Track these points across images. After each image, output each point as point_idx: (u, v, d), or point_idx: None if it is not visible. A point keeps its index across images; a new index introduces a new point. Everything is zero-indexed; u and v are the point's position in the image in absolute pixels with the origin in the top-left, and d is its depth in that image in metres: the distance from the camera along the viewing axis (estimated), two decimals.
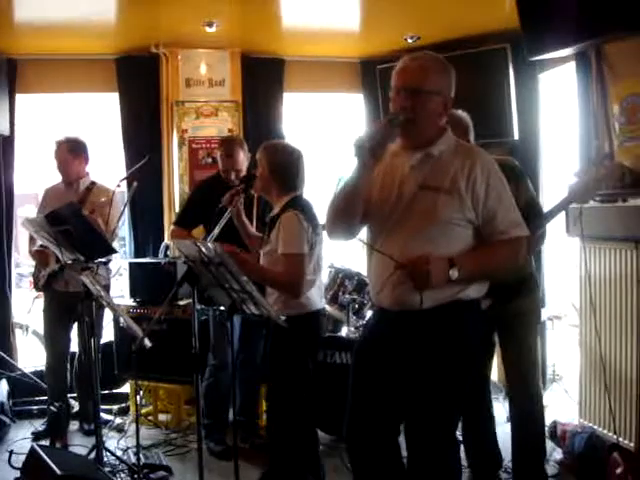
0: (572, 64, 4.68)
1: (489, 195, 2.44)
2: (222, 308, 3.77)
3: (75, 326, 4.65)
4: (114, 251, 3.89)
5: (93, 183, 4.62)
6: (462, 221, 2.45)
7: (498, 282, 3.23)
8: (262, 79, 5.77)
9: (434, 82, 2.47)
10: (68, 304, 4.47)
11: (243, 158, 4.26)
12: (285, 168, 3.34)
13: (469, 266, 2.42)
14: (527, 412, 3.52)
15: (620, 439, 3.80)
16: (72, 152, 4.57)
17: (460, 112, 3.48)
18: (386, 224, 2.54)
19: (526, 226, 2.56)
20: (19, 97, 5.44)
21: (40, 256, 4.50)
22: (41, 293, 4.85)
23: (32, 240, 4.57)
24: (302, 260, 3.20)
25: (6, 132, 5.31)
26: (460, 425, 3.80)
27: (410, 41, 5.41)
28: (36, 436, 4.54)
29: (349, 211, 2.55)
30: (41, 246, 4.44)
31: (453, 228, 2.45)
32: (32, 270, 4.79)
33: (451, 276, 2.35)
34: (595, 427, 4.10)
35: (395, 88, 2.51)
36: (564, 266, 5.58)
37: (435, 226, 2.44)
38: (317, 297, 3.40)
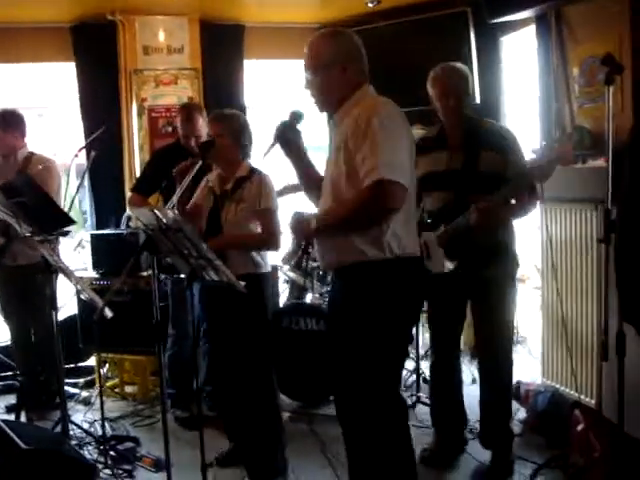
0: (532, 27, 4.68)
1: (356, 140, 2.42)
2: (182, 276, 3.74)
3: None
4: (72, 221, 3.83)
5: (32, 153, 4.52)
6: (345, 178, 2.49)
7: (470, 247, 3.27)
8: (222, 46, 5.68)
9: (319, 58, 2.58)
10: (20, 277, 4.40)
11: (202, 123, 4.23)
12: (246, 134, 3.50)
13: (325, 216, 2.57)
14: (498, 377, 3.54)
15: (581, 397, 3.87)
16: (3, 125, 4.44)
17: (458, 64, 3.47)
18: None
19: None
20: None
21: None
22: None
23: None
24: (278, 216, 3.44)
25: None
26: (428, 388, 3.91)
27: (371, 5, 5.37)
28: (8, 409, 4.54)
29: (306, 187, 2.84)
30: None
31: (338, 187, 2.52)
32: None
33: (311, 224, 2.52)
34: (557, 386, 4.18)
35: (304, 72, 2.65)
36: (526, 228, 5.63)
37: (335, 184, 2.54)
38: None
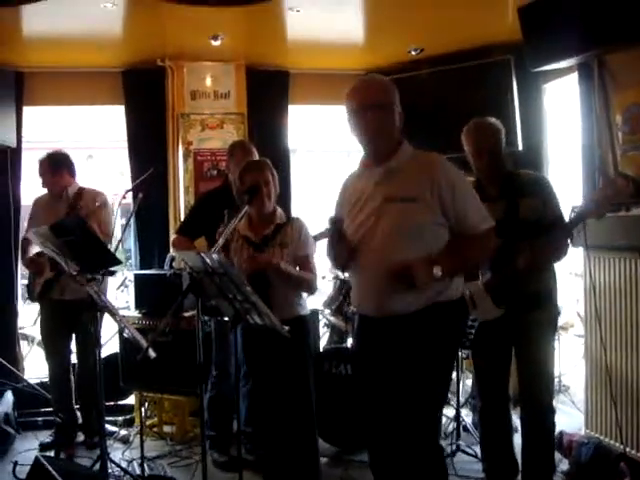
0: (575, 74, 4.70)
1: (456, 197, 2.58)
2: (226, 319, 3.78)
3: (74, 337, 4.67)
4: (119, 262, 3.90)
5: (82, 188, 4.66)
6: (432, 225, 2.58)
7: (516, 293, 3.30)
8: (267, 91, 5.80)
9: (393, 96, 2.66)
10: (65, 313, 4.50)
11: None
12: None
13: (450, 263, 2.56)
14: (540, 424, 3.48)
15: (627, 449, 3.78)
16: (53, 168, 4.58)
17: (491, 119, 3.51)
18: (362, 241, 2.68)
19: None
20: (26, 109, 5.50)
21: (34, 265, 4.53)
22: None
23: (25, 250, 4.60)
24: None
25: (13, 144, 5.36)
26: (479, 434, 3.87)
27: (414, 53, 5.45)
28: (42, 447, 4.54)
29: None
30: (35, 255, 4.47)
31: (424, 232, 2.57)
32: (26, 281, 4.80)
33: (435, 275, 2.50)
34: (602, 437, 4.08)
35: (359, 107, 2.63)
36: (569, 276, 5.57)
37: (407, 233, 2.57)
38: None
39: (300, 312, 3.49)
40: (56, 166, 4.59)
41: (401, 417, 2.57)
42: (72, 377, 4.71)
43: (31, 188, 4.89)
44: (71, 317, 4.49)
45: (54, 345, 4.67)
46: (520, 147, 5.27)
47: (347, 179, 2.89)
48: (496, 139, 3.44)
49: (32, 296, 4.64)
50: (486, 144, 3.41)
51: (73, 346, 4.72)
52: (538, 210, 3.33)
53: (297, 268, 3.47)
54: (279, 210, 3.58)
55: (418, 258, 2.52)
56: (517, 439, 3.64)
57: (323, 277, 3.62)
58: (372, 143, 2.67)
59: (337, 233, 2.69)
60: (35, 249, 4.52)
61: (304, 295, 3.57)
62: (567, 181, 5.24)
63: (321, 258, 3.54)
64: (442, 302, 2.59)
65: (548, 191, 3.41)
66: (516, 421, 3.72)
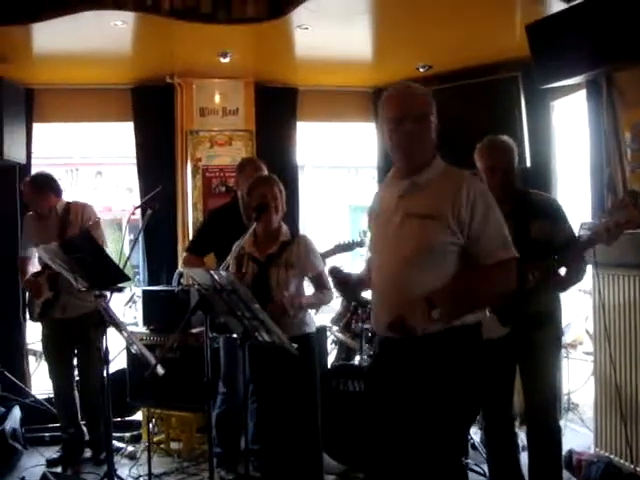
0: (583, 92, 4.70)
1: (474, 218, 2.43)
2: (234, 336, 3.78)
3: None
4: (128, 278, 3.91)
5: (69, 203, 4.66)
6: (451, 246, 2.46)
7: (522, 313, 3.25)
8: (276, 108, 5.83)
9: (430, 106, 2.54)
10: (68, 330, 4.50)
11: None
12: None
13: (451, 302, 2.42)
14: (546, 442, 3.44)
15: (637, 469, 3.75)
16: (36, 189, 4.57)
17: (504, 137, 3.50)
18: (380, 253, 2.64)
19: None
20: (36, 126, 5.55)
21: (32, 285, 4.52)
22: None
23: (23, 270, 4.61)
24: None
25: (22, 160, 5.39)
26: (486, 453, 3.80)
27: (422, 70, 5.48)
28: (50, 463, 4.53)
29: None
30: (32, 275, 4.48)
31: (442, 253, 2.46)
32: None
33: (433, 317, 2.37)
34: (611, 456, 4.04)
35: (394, 117, 2.50)
36: (578, 293, 5.55)
37: (423, 252, 2.46)
38: None
39: (306, 330, 3.49)
40: (39, 189, 4.57)
41: (416, 444, 2.51)
42: (77, 393, 4.71)
43: None
44: (74, 334, 4.49)
45: (57, 362, 4.66)
46: (528, 164, 5.27)
47: (377, 192, 2.81)
48: (509, 158, 3.42)
49: (32, 316, 4.64)
50: (499, 162, 3.39)
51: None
52: (547, 232, 3.32)
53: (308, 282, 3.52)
54: (284, 227, 3.58)
55: (413, 301, 2.40)
56: (525, 458, 3.62)
57: None
58: (405, 155, 2.54)
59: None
60: (33, 269, 4.53)
61: (311, 312, 3.56)
62: (576, 198, 5.23)
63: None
64: (458, 326, 2.47)
65: (559, 213, 3.39)
66: (524, 439, 3.69)
